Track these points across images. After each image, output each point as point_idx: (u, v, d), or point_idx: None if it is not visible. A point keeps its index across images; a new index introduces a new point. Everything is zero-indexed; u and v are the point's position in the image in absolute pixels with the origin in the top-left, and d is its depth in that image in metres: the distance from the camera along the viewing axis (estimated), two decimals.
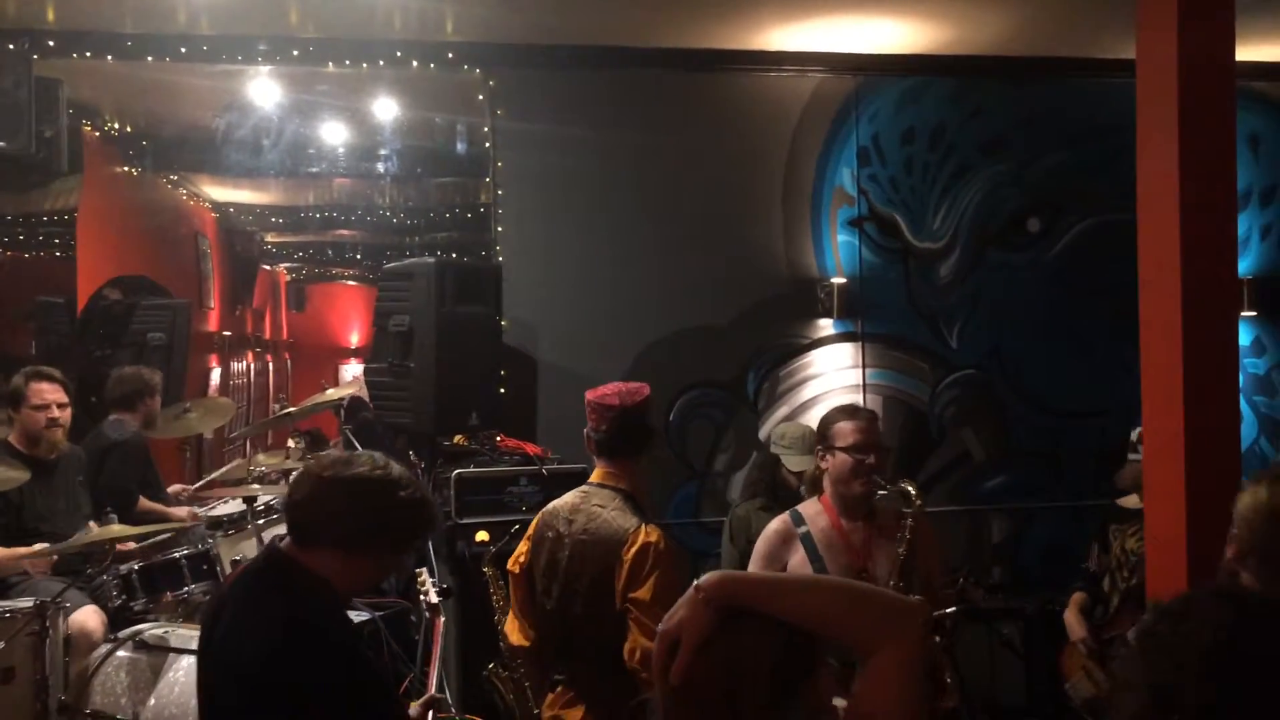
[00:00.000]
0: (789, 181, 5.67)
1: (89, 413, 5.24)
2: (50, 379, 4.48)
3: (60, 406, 4.47)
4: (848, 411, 3.33)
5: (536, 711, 3.87)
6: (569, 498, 3.09)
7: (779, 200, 5.66)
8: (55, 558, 4.21)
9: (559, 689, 3.03)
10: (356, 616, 4.82)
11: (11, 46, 4.89)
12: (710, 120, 5.58)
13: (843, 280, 5.65)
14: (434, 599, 3.21)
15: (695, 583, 1.45)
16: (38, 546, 4.14)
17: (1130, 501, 4.27)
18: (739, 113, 5.62)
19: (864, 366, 5.71)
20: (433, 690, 2.72)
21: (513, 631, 3.20)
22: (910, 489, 3.17)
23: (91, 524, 4.37)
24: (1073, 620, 4.32)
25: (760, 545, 3.32)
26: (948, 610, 3.13)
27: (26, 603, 3.87)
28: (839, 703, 1.50)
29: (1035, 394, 5.80)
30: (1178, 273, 3.36)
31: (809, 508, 3.32)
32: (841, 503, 3.24)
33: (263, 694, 2.08)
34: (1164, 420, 3.41)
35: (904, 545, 3.13)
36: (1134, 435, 4.21)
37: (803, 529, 3.24)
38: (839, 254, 5.71)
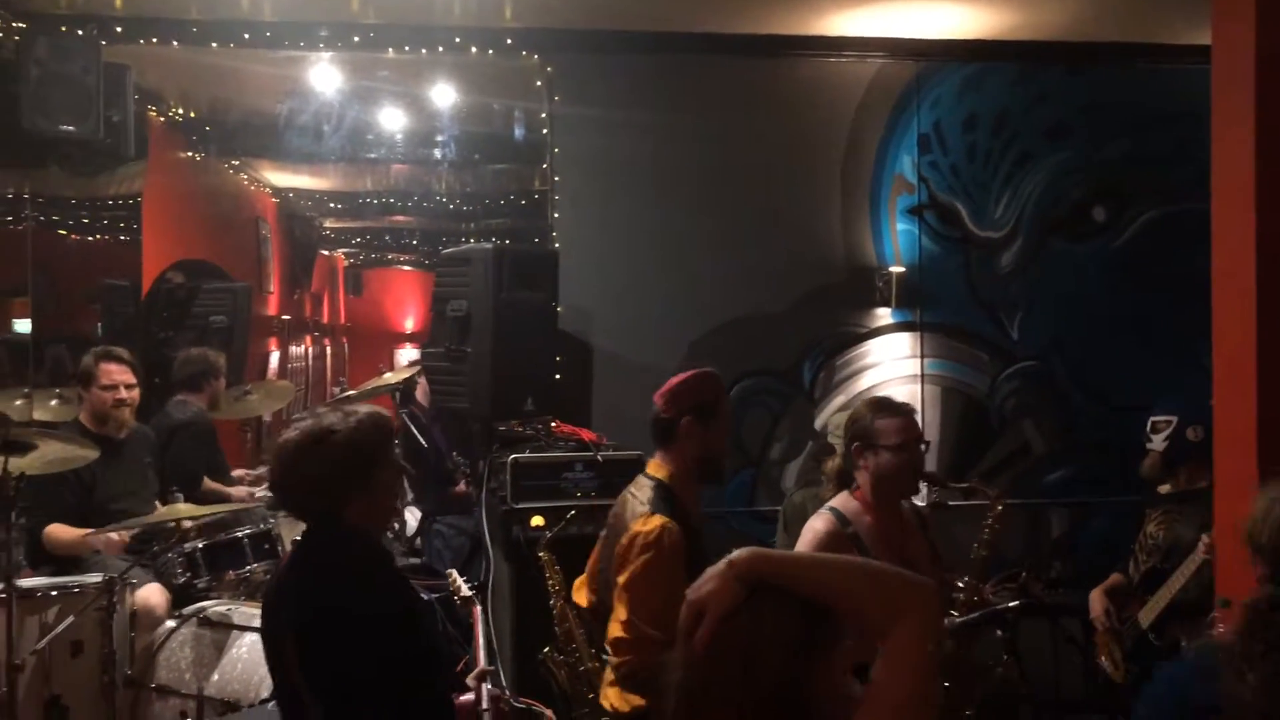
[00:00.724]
0: (848, 169, 5.61)
1: (153, 394, 5.34)
2: (119, 359, 4.57)
3: (128, 387, 4.56)
4: (886, 408, 3.19)
5: (591, 696, 3.91)
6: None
7: (837, 188, 5.61)
8: (128, 537, 4.29)
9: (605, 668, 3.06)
10: None
11: (81, 32, 4.98)
12: (769, 106, 5.53)
13: (901, 269, 5.58)
14: (466, 592, 3.28)
15: (728, 557, 1.50)
16: (109, 529, 4.22)
17: (1164, 487, 4.26)
18: (798, 99, 5.57)
19: (922, 356, 5.65)
20: (481, 664, 2.77)
21: (579, 588, 3.31)
22: (984, 490, 3.17)
23: (157, 503, 4.47)
24: (1094, 598, 4.30)
25: (808, 541, 3.20)
26: (1010, 604, 3.09)
27: (94, 578, 3.95)
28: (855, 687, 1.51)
29: (1098, 386, 5.70)
30: (1252, 265, 3.28)
31: (846, 505, 3.18)
32: (883, 500, 3.14)
33: (328, 636, 2.25)
34: (1236, 413, 3.34)
35: (985, 547, 3.12)
36: (1149, 424, 4.24)
37: (850, 529, 3.13)
38: (898, 242, 5.64)
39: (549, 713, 4.29)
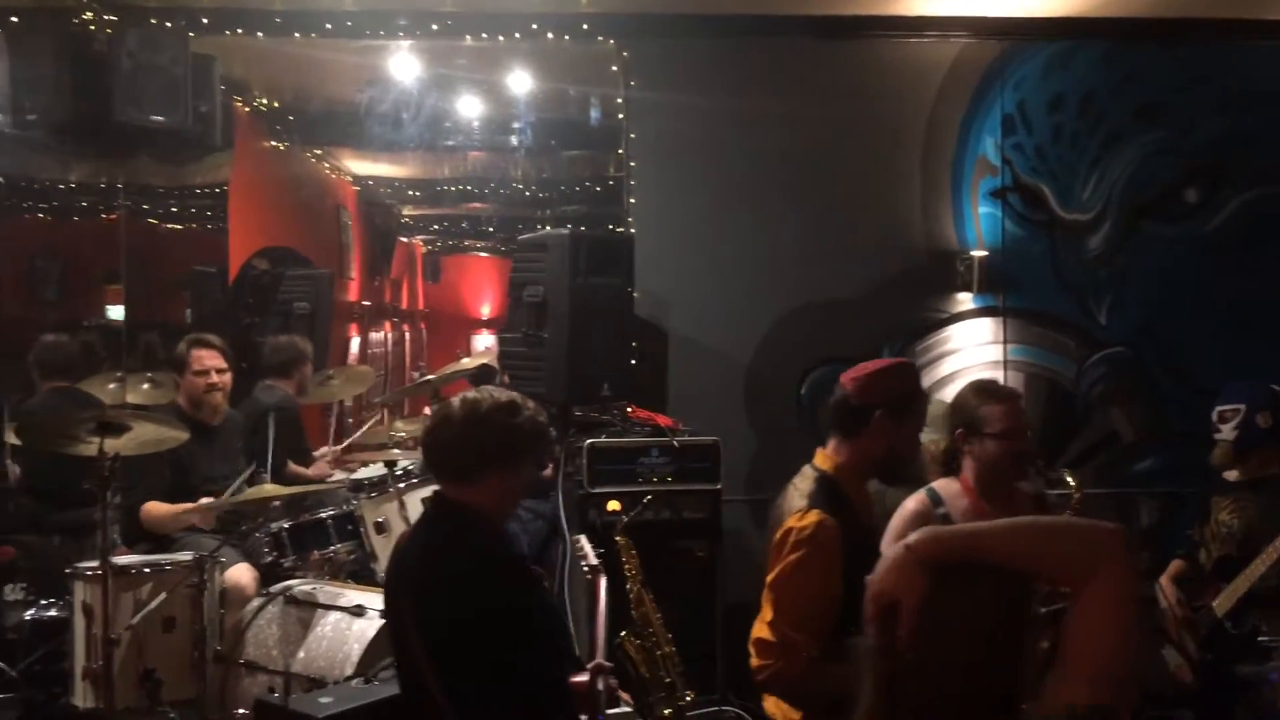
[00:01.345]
0: (928, 151, 5.51)
1: (240, 378, 5.47)
2: (210, 346, 4.67)
3: (219, 372, 4.66)
4: (992, 393, 3.15)
5: (669, 680, 3.91)
6: None
7: (918, 171, 5.51)
8: (217, 515, 4.41)
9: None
10: None
11: (169, 24, 5.10)
12: (848, 88, 5.45)
13: (984, 253, 5.47)
14: (593, 560, 3.24)
15: (905, 543, 1.46)
16: (202, 501, 4.34)
17: (1231, 475, 4.28)
18: (878, 80, 5.48)
19: (1005, 343, 5.53)
20: (600, 657, 2.72)
21: None
22: (1070, 479, 3.09)
23: (245, 486, 4.58)
24: (1164, 586, 4.27)
25: (896, 523, 3.20)
26: None
27: (185, 556, 4.07)
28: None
29: (1190, 373, 5.53)
30: None
31: (947, 487, 3.17)
32: (987, 487, 3.10)
33: (458, 625, 2.34)
34: None
35: None
36: (1214, 415, 4.32)
37: (941, 509, 3.10)
38: (980, 226, 5.53)
39: (626, 696, 4.32)
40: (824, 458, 2.85)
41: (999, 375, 5.45)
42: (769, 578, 2.72)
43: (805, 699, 2.76)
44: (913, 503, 3.14)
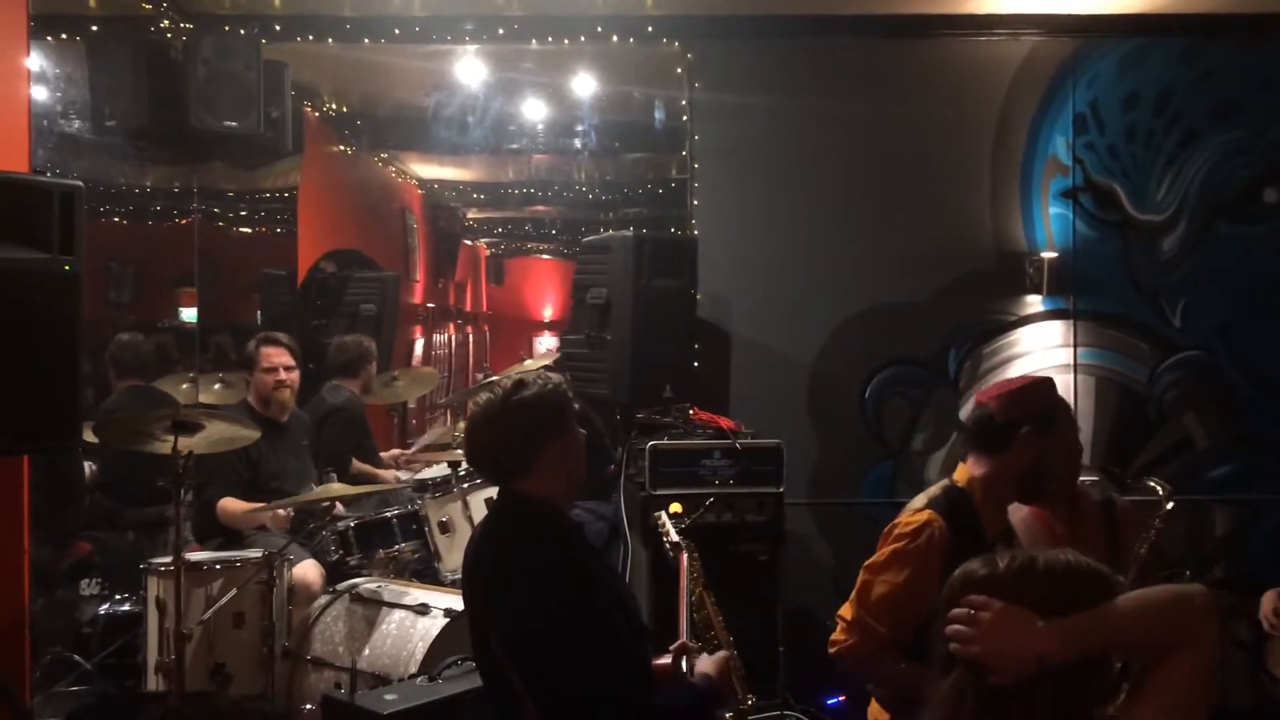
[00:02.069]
0: (997, 151, 5.42)
1: (308, 379, 5.56)
2: (278, 343, 4.76)
3: (287, 369, 4.74)
4: None
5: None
6: None
7: (986, 171, 5.42)
8: (291, 513, 4.48)
9: None
10: None
11: (243, 31, 5.20)
12: (915, 88, 5.39)
13: (1054, 254, 5.36)
14: (675, 537, 3.25)
15: (1042, 653, 1.43)
16: (277, 503, 4.41)
17: None
18: (946, 80, 5.40)
19: (1075, 345, 5.42)
20: (684, 636, 2.72)
21: None
22: (1158, 486, 3.02)
23: (312, 485, 4.66)
24: (1266, 598, 4.00)
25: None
26: None
27: (255, 554, 4.14)
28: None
29: (1269, 377, 5.37)
30: None
31: None
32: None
33: (534, 615, 2.33)
34: None
35: (1146, 545, 2.96)
36: None
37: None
38: (1050, 227, 5.42)
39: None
40: (961, 471, 2.81)
41: (1069, 379, 5.34)
42: (867, 560, 2.74)
43: (876, 682, 2.82)
44: None
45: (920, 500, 2.74)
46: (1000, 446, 2.72)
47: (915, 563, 2.62)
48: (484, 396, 2.51)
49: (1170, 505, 3.03)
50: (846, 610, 2.75)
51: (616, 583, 2.63)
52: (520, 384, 2.48)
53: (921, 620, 2.58)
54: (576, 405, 2.62)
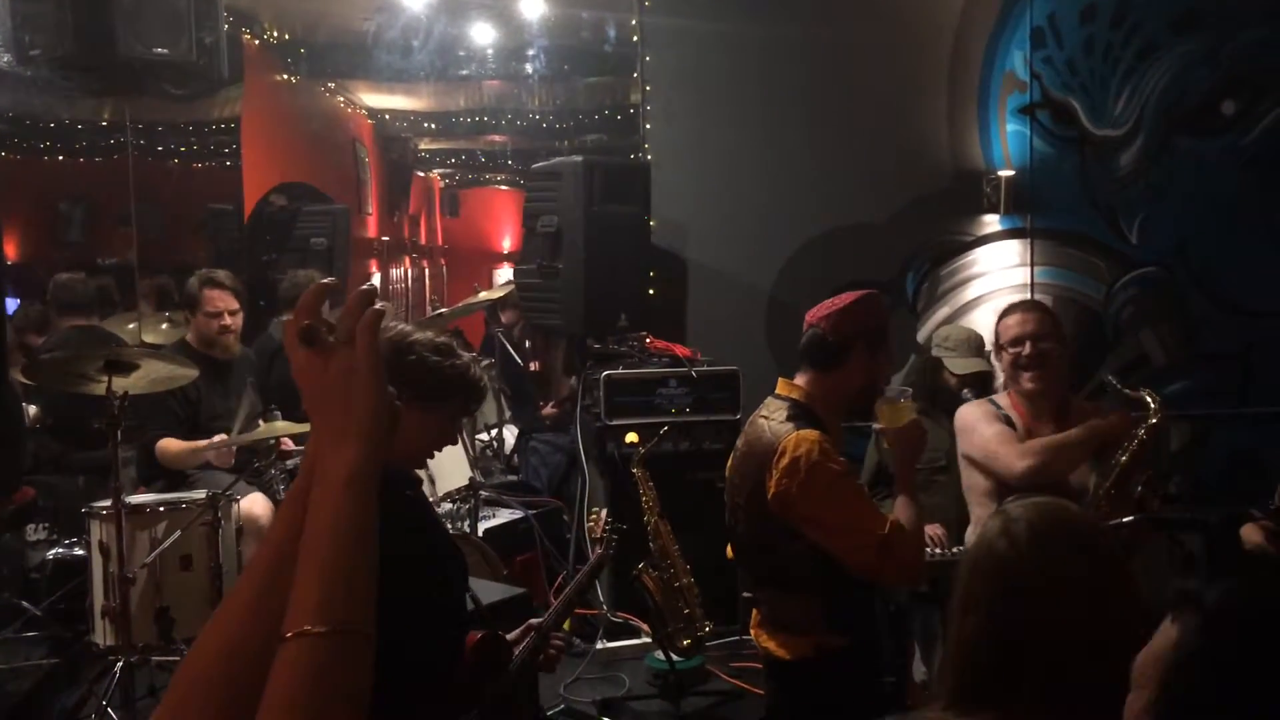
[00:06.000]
0: (954, 69, 5.31)
1: (257, 315, 5.43)
2: (222, 285, 4.59)
3: (232, 314, 4.60)
4: (1009, 308, 3.30)
5: (687, 611, 3.88)
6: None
7: (943, 90, 5.32)
8: (235, 450, 4.38)
9: (754, 610, 2.85)
10: (510, 515, 4.92)
11: None
12: (868, 6, 5.26)
13: (1011, 173, 5.29)
14: (599, 535, 3.12)
15: None
16: (217, 438, 4.31)
17: None
18: None
19: (1032, 265, 5.38)
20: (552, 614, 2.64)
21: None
22: (1149, 398, 3.05)
23: (260, 422, 4.55)
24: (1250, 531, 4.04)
25: (970, 420, 3.24)
26: (1124, 519, 2.93)
27: (199, 495, 4.05)
28: None
29: (1226, 293, 5.35)
30: None
31: (1001, 400, 3.30)
32: (1026, 401, 3.20)
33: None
34: None
35: (1126, 454, 3.02)
36: None
37: (1001, 411, 3.25)
38: (1007, 144, 5.34)
39: (645, 626, 4.30)
40: (791, 388, 2.76)
41: (1025, 299, 5.31)
42: (813, 514, 2.57)
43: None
44: (976, 407, 3.30)
45: (788, 424, 2.64)
46: (835, 365, 2.71)
47: (845, 470, 2.60)
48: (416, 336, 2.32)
49: (1155, 420, 3.05)
50: (855, 555, 2.57)
51: (443, 551, 2.37)
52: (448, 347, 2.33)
53: None
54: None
